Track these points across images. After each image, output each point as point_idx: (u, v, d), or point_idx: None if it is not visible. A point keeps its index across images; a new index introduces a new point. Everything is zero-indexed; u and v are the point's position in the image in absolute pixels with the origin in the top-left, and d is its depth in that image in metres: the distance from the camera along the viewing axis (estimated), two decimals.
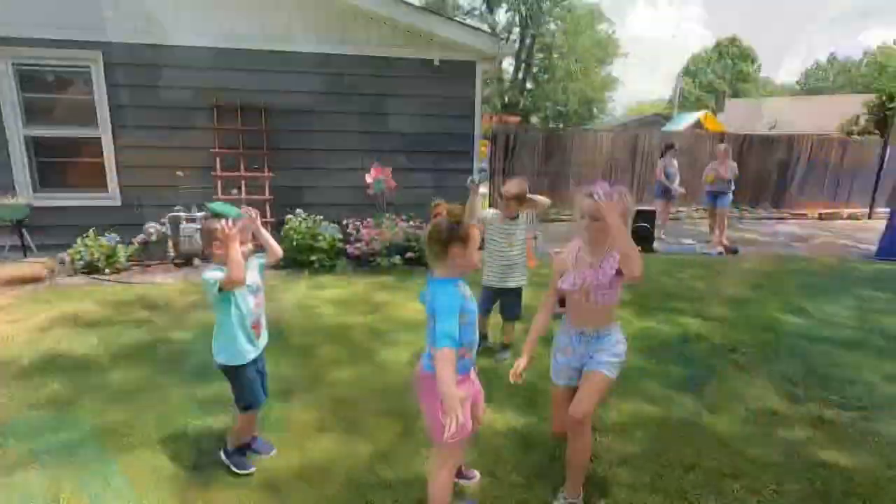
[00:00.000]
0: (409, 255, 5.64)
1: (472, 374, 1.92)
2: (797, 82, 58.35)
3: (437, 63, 5.97)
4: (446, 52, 5.99)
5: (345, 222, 5.89)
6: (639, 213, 7.39)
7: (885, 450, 2.47)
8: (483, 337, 3.50)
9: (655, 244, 7.55)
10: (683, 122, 16.17)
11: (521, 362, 2.05)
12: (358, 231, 5.83)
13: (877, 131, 14.08)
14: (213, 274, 2.00)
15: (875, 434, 2.60)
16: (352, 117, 6.02)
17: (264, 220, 4.96)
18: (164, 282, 5.07)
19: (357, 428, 2.57)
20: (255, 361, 2.19)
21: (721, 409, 2.82)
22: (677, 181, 8.63)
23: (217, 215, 2.03)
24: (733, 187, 7.94)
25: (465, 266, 1.78)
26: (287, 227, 5.58)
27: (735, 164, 8.23)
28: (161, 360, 3.30)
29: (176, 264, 5.59)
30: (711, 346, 3.75)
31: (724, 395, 2.98)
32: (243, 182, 5.83)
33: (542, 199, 3.47)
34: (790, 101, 32.66)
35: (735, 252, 7.46)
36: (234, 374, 2.15)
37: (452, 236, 1.73)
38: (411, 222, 5.88)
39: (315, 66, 5.84)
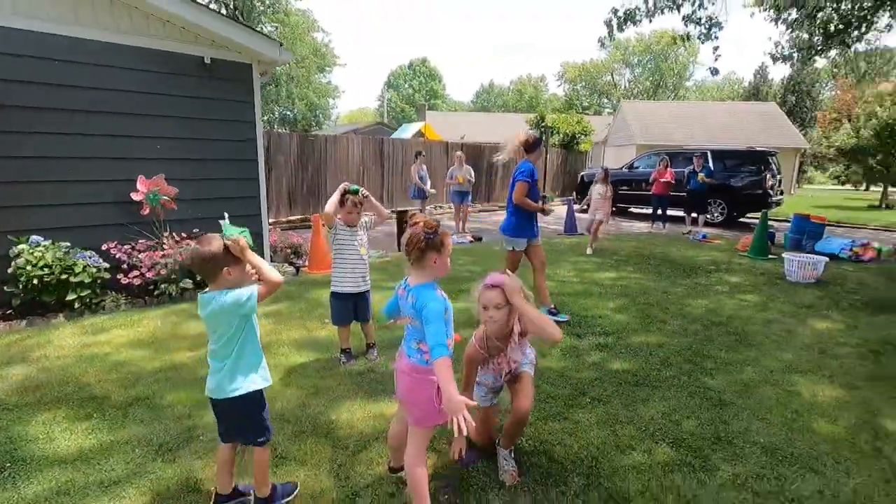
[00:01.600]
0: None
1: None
2: (471, 101, 72.37)
3: (207, 62, 5.37)
4: (219, 50, 5.45)
5: (106, 247, 4.74)
6: (404, 213, 8.31)
7: (624, 353, 3.80)
8: (347, 352, 3.58)
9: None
10: (408, 131, 18.35)
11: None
12: (130, 256, 4.79)
13: None
14: (249, 289, 1.87)
15: (609, 347, 3.94)
16: (108, 118, 4.84)
17: None
18: None
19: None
20: None
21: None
22: (429, 184, 10.02)
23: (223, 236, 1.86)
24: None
25: (440, 271, 1.96)
26: (21, 260, 4.15)
27: (471, 168, 10.14)
28: None
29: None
30: None
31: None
32: None
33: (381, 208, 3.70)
34: (468, 115, 40.66)
35: (479, 239, 9.23)
36: (259, 400, 2.01)
37: (430, 244, 1.88)
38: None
39: (53, 52, 4.47)
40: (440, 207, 13.54)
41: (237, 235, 1.84)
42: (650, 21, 8.31)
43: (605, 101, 60.66)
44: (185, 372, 3.33)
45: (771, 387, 3.22)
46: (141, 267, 4.75)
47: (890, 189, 17.53)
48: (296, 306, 4.78)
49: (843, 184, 29.40)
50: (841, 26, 8.45)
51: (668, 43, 53.66)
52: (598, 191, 8.14)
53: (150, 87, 5.06)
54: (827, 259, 6.22)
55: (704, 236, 9.43)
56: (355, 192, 3.38)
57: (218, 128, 5.58)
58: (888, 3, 7.82)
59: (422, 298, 1.87)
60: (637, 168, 14.24)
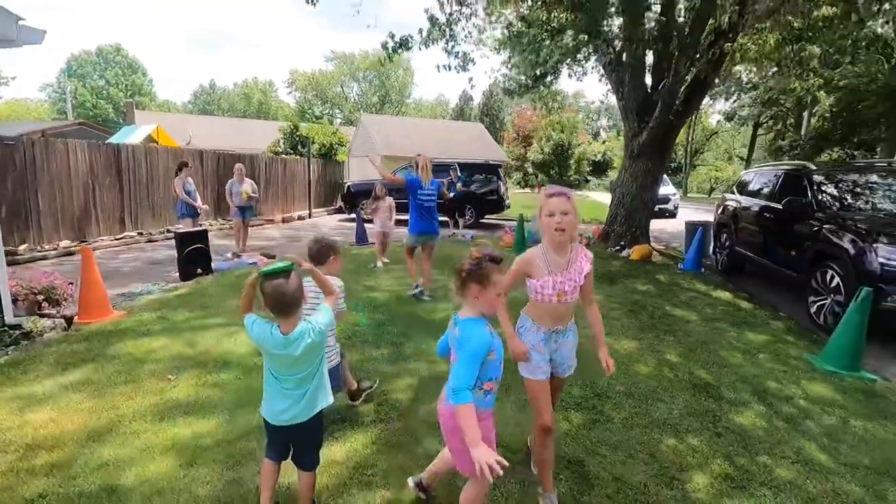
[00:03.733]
0: None
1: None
2: (189, 101, 63.97)
3: None
4: None
5: None
6: (189, 235, 7.14)
7: None
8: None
9: (215, 264, 7.54)
10: (134, 135, 15.24)
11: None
12: None
13: (291, 151, 18.57)
14: (326, 309, 2.03)
15: None
16: None
17: None
18: None
19: None
20: None
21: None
22: (199, 199, 8.73)
23: (277, 274, 1.85)
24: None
25: (486, 308, 1.80)
26: None
27: (252, 182, 9.29)
28: None
29: None
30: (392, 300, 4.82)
31: (417, 343, 4.17)
32: None
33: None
34: (193, 119, 36.13)
35: (273, 257, 8.60)
36: (321, 417, 2.09)
37: (470, 275, 1.77)
38: None
39: None
40: (223, 223, 11.80)
41: (285, 262, 1.88)
42: (421, 49, 9.34)
43: (338, 111, 62.70)
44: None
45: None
46: None
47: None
48: (108, 369, 3.68)
49: (523, 188, 38.36)
50: (541, 73, 11.28)
51: (382, 62, 59.27)
52: (385, 203, 8.44)
53: None
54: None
55: (472, 237, 11.11)
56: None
57: None
58: (567, 60, 10.86)
59: (465, 332, 1.77)
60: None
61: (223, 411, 3.05)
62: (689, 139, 36.46)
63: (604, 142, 45.60)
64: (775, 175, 7.26)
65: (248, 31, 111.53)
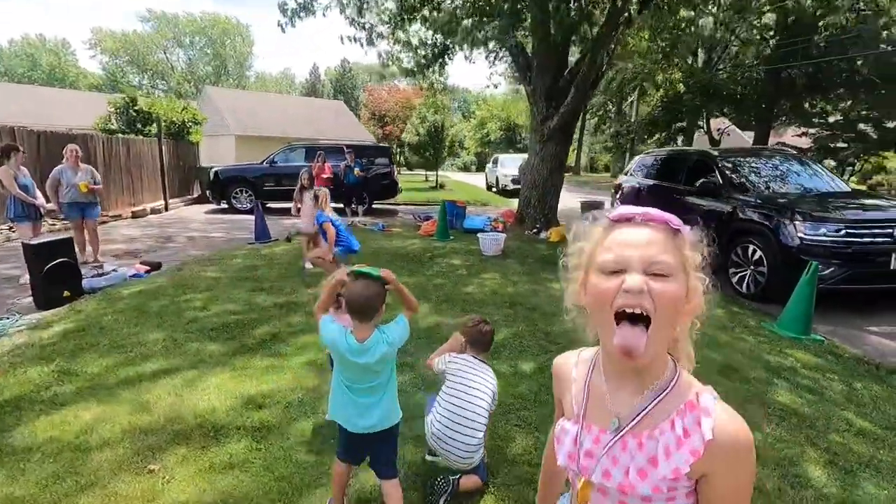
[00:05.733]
0: None
1: None
2: None
3: None
4: None
5: None
6: (46, 247, 5.29)
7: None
8: None
9: (85, 282, 5.73)
10: None
11: None
12: None
13: (126, 129, 15.29)
14: (402, 319, 1.98)
15: None
16: None
17: None
18: None
19: None
20: None
21: None
22: (39, 196, 6.57)
23: (367, 275, 1.89)
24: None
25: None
26: None
27: (93, 169, 7.30)
28: None
29: None
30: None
31: None
32: None
33: None
34: None
35: (158, 266, 6.90)
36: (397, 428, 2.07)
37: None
38: None
39: None
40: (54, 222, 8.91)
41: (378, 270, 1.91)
42: (325, 15, 8.22)
43: (161, 82, 53.89)
44: None
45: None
46: None
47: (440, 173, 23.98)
48: (34, 474, 2.41)
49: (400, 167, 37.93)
50: (440, 51, 10.93)
51: (223, 28, 52.64)
52: (310, 196, 7.35)
53: None
54: (505, 235, 8.24)
55: (383, 227, 10.40)
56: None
57: None
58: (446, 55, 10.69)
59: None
60: (277, 164, 13.82)
61: None
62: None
63: (453, 125, 47.01)
64: (682, 159, 8.09)
65: None
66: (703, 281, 0.89)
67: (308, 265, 6.71)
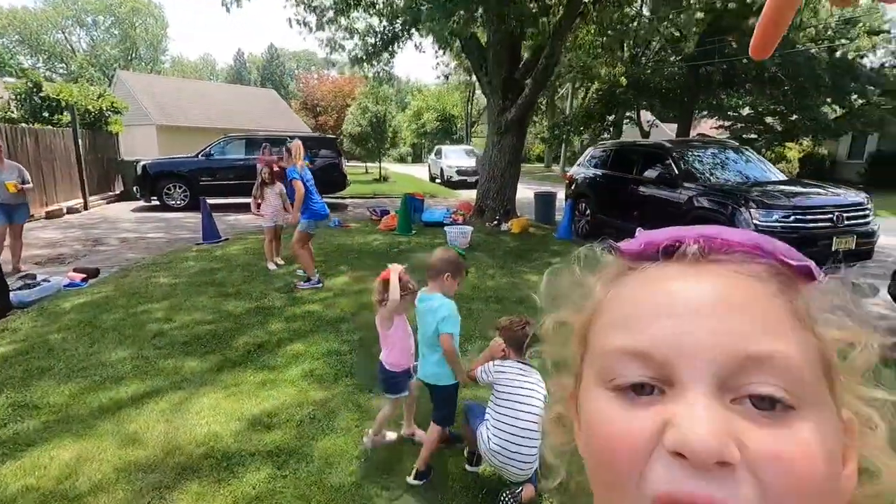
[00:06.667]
0: None
1: None
2: None
3: None
4: None
5: None
6: None
7: None
8: None
9: (13, 296, 4.98)
10: None
11: None
12: None
13: (30, 119, 13.58)
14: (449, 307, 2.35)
15: None
16: None
17: None
18: None
19: None
20: None
21: None
22: None
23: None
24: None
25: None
26: None
27: (20, 166, 6.45)
28: None
29: None
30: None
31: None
32: None
33: None
34: None
35: (96, 273, 6.16)
36: (454, 392, 2.43)
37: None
38: None
39: None
40: None
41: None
42: None
43: (60, 65, 48.36)
44: None
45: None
46: None
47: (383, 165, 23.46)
48: None
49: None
50: (390, 39, 10.62)
51: (132, 7, 48.11)
52: (275, 190, 6.73)
53: None
54: (472, 228, 8.17)
55: (339, 222, 9.97)
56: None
57: None
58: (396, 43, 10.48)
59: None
60: (213, 156, 12.86)
61: None
62: (468, 112, 40.13)
63: (394, 116, 46.35)
64: (635, 151, 8.43)
65: None
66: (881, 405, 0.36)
67: (272, 266, 6.28)
